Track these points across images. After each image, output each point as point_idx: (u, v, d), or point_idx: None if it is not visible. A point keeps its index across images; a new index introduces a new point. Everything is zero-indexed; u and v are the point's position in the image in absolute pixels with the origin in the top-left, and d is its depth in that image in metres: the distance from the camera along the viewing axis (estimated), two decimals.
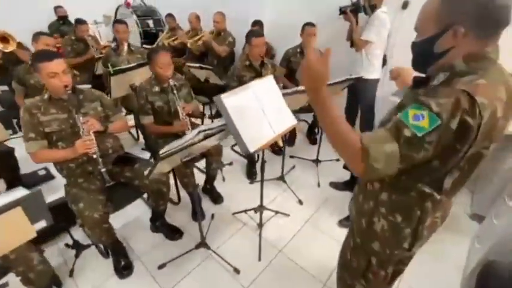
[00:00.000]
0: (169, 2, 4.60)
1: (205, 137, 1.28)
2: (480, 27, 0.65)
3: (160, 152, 1.15)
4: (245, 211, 2.03)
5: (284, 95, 1.56)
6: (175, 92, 1.85)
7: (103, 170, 1.54)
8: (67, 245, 1.77)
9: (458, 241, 1.83)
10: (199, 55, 3.78)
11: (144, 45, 3.40)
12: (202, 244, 1.76)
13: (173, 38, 4.04)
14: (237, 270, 1.66)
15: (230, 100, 1.27)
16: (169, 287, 1.59)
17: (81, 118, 1.50)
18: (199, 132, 1.26)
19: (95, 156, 1.51)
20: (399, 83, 1.10)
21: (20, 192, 0.96)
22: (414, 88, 0.78)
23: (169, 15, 4.16)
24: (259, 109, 1.39)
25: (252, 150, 1.28)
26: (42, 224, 1.12)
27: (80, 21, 3.29)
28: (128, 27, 2.84)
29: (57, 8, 4.44)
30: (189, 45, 3.59)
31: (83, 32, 3.30)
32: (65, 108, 1.53)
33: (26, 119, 1.46)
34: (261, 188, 1.76)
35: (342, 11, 2.38)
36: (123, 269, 1.65)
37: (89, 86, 1.79)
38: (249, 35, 2.22)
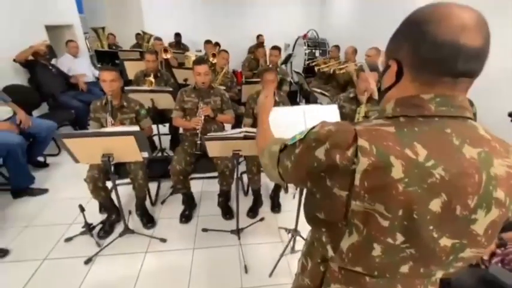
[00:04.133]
0: (338, 36, 5.02)
1: (245, 137, 1.55)
2: (414, 68, 0.53)
3: (207, 134, 1.56)
4: (286, 229, 2.05)
5: None
6: None
7: (198, 142, 2.17)
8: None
9: None
10: (343, 84, 3.94)
11: (294, 69, 4.02)
12: (236, 232, 2.01)
13: (327, 65, 4.43)
14: (246, 270, 1.79)
15: (277, 112, 1.45)
16: (197, 246, 1.98)
17: (201, 104, 2.21)
18: (241, 132, 1.55)
19: (198, 131, 2.17)
20: None
21: (135, 128, 1.68)
22: None
23: (335, 46, 4.59)
24: (302, 127, 1.46)
25: None
26: (145, 154, 1.84)
27: (259, 46, 4.39)
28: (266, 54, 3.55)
29: (258, 36, 6.08)
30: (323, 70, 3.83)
31: (258, 54, 4.38)
32: (198, 95, 2.29)
33: (178, 97, 2.34)
34: (298, 211, 1.77)
35: None
36: (184, 217, 2.22)
37: None
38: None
